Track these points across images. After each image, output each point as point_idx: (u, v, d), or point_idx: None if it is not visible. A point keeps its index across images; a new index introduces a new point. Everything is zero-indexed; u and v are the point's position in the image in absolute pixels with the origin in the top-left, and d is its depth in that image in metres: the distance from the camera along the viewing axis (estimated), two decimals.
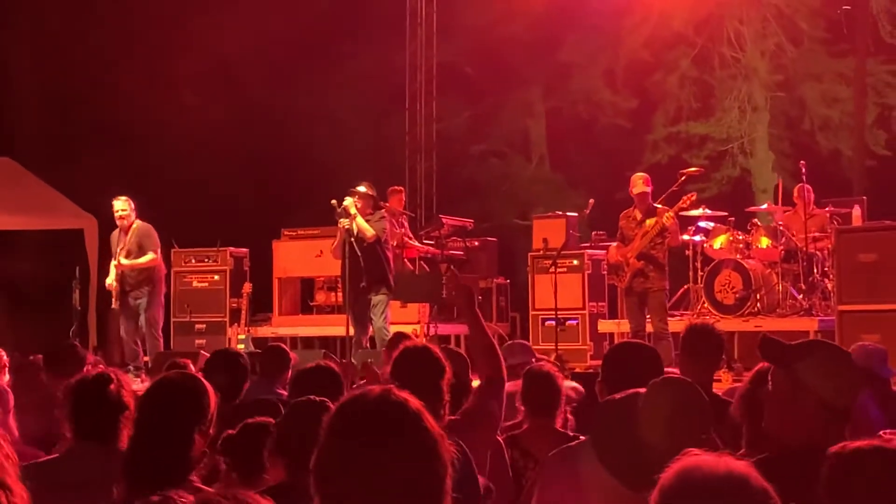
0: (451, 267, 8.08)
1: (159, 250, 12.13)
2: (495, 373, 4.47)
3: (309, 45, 18.63)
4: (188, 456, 3.35)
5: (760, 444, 3.68)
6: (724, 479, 2.05)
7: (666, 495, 2.08)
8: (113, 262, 11.92)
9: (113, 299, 11.93)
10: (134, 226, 11.88)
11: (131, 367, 11.69)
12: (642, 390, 3.09)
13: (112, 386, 4.17)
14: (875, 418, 5.16)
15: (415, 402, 2.19)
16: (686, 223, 12.35)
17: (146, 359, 11.83)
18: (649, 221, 10.87)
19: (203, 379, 3.59)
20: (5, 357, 7.66)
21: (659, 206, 11.04)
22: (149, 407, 3.47)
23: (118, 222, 11.93)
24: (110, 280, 11.91)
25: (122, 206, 11.89)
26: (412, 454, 2.12)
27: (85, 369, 6.98)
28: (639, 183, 11.03)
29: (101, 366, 8.76)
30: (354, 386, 7.50)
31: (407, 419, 2.15)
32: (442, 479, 2.14)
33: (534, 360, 7.07)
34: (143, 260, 11.82)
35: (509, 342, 8.38)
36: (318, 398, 3.88)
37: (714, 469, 2.07)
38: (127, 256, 11.81)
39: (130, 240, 11.82)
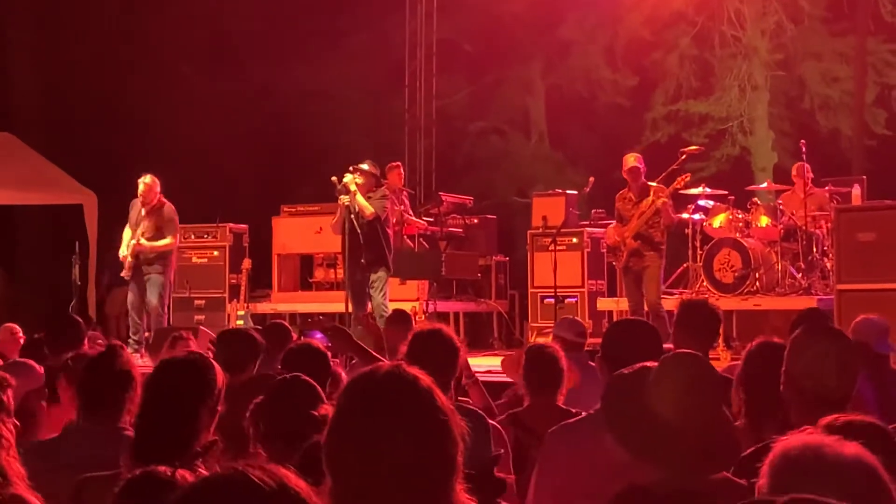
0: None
1: (178, 235, 12.21)
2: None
3: (308, 20, 18.57)
4: (194, 433, 3.36)
5: (763, 422, 3.70)
6: (853, 463, 2.03)
7: (789, 464, 2.05)
8: (130, 241, 11.83)
9: (125, 269, 11.95)
10: (160, 207, 11.87)
11: (132, 341, 11.74)
12: (651, 364, 3.09)
13: (122, 359, 4.21)
14: (867, 398, 5.16)
15: (425, 379, 2.19)
16: (685, 202, 12.36)
17: (147, 334, 11.86)
18: (646, 201, 10.89)
19: (210, 356, 3.61)
20: (21, 332, 7.74)
21: (653, 184, 11.05)
22: (154, 385, 3.48)
23: (141, 199, 11.89)
24: (124, 252, 11.89)
25: (141, 186, 11.86)
26: (423, 431, 2.13)
27: (84, 344, 7.04)
28: (630, 160, 11.06)
29: (100, 340, 8.84)
30: (351, 364, 7.55)
31: (418, 396, 2.16)
32: (453, 456, 2.15)
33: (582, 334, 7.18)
34: (160, 243, 11.85)
35: (563, 317, 8.40)
36: (298, 375, 3.91)
37: (843, 451, 2.04)
38: (143, 234, 11.80)
39: (152, 221, 11.79)
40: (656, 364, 3.07)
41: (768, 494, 2.04)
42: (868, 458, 2.03)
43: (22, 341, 7.94)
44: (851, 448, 2.04)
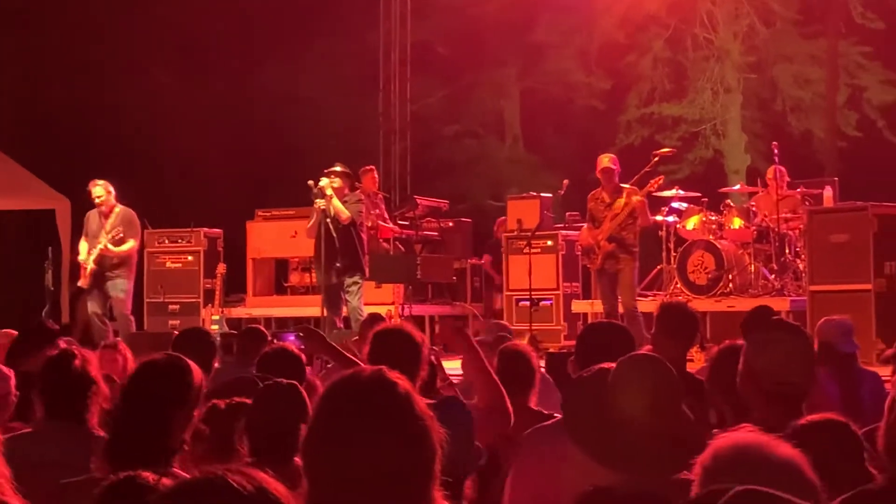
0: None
1: (139, 237, 12.14)
2: (495, 403, 4.39)
3: (282, 24, 18.55)
4: (170, 437, 3.34)
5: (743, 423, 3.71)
6: (782, 463, 2.04)
7: (718, 464, 2.07)
8: (93, 249, 11.71)
9: (82, 278, 11.83)
10: (116, 210, 11.80)
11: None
12: (611, 365, 3.10)
13: (76, 362, 4.19)
14: (831, 395, 5.20)
15: (404, 385, 2.18)
16: (659, 204, 12.40)
17: (117, 339, 11.77)
18: (619, 202, 10.91)
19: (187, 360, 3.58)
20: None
21: (627, 186, 11.08)
22: (132, 388, 3.47)
23: (97, 207, 11.84)
24: (85, 258, 11.73)
25: (99, 192, 11.80)
26: (401, 437, 2.12)
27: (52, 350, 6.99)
28: (605, 160, 11.09)
29: (74, 346, 8.78)
30: (326, 368, 7.53)
31: (396, 402, 2.15)
32: (430, 463, 2.14)
33: (509, 336, 7.15)
34: (125, 248, 11.76)
35: (487, 321, 8.45)
36: (285, 381, 3.89)
37: (772, 451, 2.06)
38: (109, 240, 11.69)
39: (114, 225, 11.71)
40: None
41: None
42: (797, 458, 2.05)
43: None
44: (781, 449, 2.06)
